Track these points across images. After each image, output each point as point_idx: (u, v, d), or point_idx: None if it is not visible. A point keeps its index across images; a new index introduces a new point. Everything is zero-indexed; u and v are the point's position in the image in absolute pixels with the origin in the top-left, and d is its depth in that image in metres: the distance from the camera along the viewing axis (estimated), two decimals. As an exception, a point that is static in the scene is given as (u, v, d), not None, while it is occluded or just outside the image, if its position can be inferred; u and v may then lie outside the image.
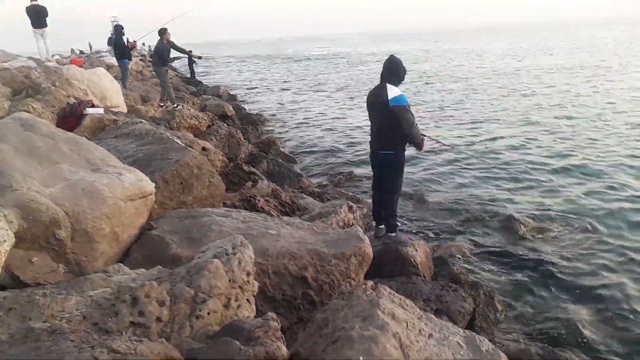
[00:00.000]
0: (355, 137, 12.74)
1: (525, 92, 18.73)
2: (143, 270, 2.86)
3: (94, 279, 2.59)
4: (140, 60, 31.09)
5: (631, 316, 4.34)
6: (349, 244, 3.53)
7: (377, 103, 4.52)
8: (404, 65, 4.59)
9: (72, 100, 7.56)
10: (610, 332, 4.10)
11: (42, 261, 2.90)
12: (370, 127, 4.81)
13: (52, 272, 2.90)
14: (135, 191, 3.56)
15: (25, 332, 1.87)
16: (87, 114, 6.69)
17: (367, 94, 4.82)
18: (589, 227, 6.24)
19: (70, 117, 6.66)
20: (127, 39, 16.16)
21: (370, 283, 3.02)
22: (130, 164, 4.33)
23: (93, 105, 7.14)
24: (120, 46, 14.51)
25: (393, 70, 4.49)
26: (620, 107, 14.36)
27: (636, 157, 9.25)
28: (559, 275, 5.12)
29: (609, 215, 6.62)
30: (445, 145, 7.06)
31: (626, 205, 6.95)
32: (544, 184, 8.04)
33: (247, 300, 2.56)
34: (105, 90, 9.00)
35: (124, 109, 9.41)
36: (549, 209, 6.92)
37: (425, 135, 4.72)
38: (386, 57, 4.71)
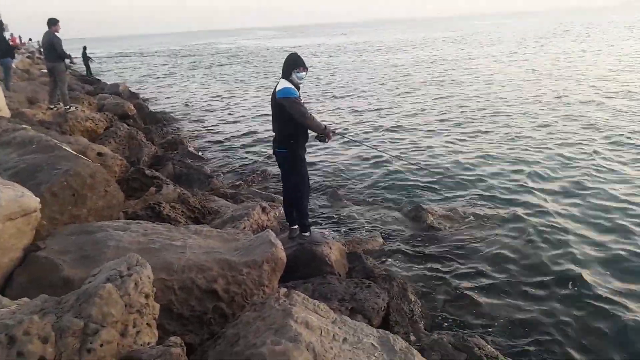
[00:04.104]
0: (267, 133, 12.52)
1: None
2: (26, 299, 2.53)
3: (-37, 317, 2.23)
4: (28, 57, 28.44)
5: (529, 298, 4.61)
6: (260, 250, 3.39)
7: (272, 99, 4.46)
8: (301, 59, 4.43)
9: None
10: (515, 314, 4.34)
11: None
12: None
13: None
14: (14, 209, 3.16)
15: None
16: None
17: None
18: (493, 212, 6.60)
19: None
20: (12, 34, 14.61)
21: (283, 290, 2.91)
22: (11, 177, 3.88)
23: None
24: (1, 43, 13.06)
25: (284, 66, 4.44)
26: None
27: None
28: (464, 261, 5.35)
29: (509, 199, 7.10)
30: (353, 140, 7.12)
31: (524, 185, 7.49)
32: (451, 175, 8.35)
33: (148, 324, 2.34)
34: (-16, 93, 8.06)
35: (7, 113, 8.46)
36: (457, 197, 7.24)
37: (334, 132, 4.67)
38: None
